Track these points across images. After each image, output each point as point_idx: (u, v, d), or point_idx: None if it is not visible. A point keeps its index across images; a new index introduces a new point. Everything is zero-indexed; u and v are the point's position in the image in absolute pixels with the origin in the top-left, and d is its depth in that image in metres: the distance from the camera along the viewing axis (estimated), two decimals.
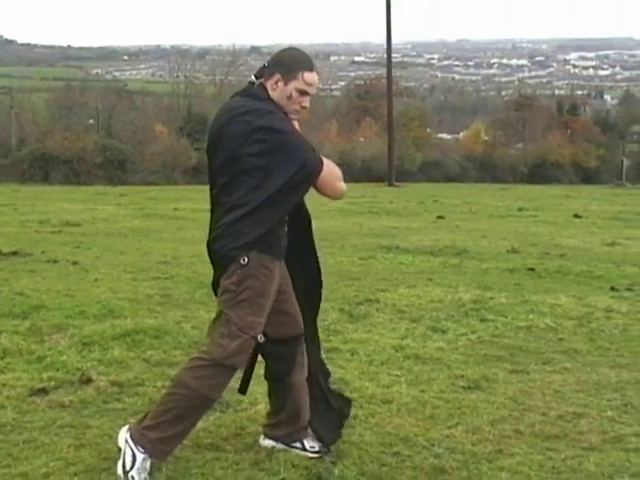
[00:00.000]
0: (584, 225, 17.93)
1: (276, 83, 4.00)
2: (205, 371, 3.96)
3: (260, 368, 4.41)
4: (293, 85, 3.98)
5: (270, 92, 4.02)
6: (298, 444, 4.31)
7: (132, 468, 3.90)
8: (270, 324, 4.11)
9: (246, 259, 3.92)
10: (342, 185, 4.06)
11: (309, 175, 3.92)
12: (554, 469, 4.22)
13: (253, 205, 3.88)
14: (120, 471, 3.91)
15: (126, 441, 3.95)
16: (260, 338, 4.05)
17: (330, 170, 3.98)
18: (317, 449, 4.28)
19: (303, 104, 4.05)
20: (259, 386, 5.16)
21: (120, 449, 3.99)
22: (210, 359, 3.96)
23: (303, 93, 4.02)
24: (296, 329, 4.28)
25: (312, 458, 4.24)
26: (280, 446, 4.34)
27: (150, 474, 3.92)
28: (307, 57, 4.08)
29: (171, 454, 4.03)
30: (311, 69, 4.03)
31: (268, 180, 3.87)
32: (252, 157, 3.87)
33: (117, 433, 4.16)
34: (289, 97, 4.00)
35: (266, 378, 4.39)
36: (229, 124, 3.95)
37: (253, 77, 4.12)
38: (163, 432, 3.94)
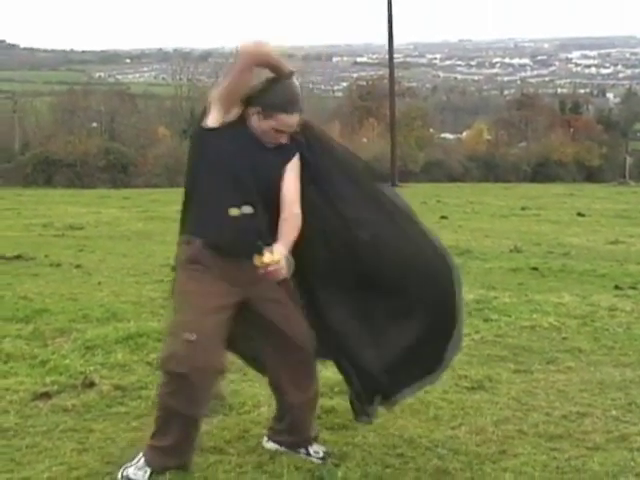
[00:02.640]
0: (587, 223, 17.91)
1: (255, 114, 3.96)
2: (161, 380, 4.00)
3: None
4: (268, 124, 3.94)
5: (248, 117, 3.99)
6: (302, 450, 4.30)
7: (131, 466, 3.97)
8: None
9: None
10: None
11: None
12: (558, 469, 4.21)
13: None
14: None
15: None
16: (191, 336, 3.83)
17: None
18: (321, 455, 4.26)
19: (278, 139, 4.01)
20: (262, 388, 5.16)
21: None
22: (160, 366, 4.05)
23: (279, 131, 3.98)
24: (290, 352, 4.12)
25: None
26: (283, 449, 4.33)
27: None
28: (290, 98, 3.97)
29: (170, 468, 4.01)
30: (291, 112, 3.94)
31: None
32: None
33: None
34: (264, 132, 3.97)
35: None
36: None
37: None
38: (157, 442, 3.99)
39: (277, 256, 3.80)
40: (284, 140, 4.01)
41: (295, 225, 3.97)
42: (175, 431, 3.95)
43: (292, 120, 3.97)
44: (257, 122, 3.96)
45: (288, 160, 4.05)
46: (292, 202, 4.00)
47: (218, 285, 3.95)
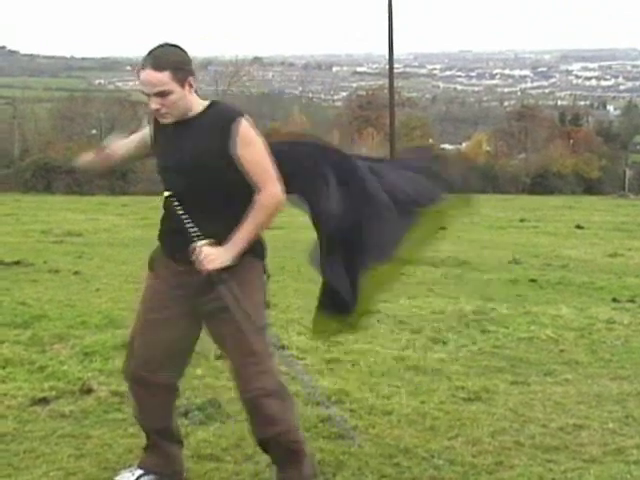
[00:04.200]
0: (586, 236, 17.93)
1: None
2: None
3: None
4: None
5: None
6: None
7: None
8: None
9: None
10: None
11: None
12: None
13: None
14: None
15: None
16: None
17: None
18: None
19: (150, 106, 3.71)
20: None
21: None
22: None
23: (145, 94, 3.71)
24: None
25: None
26: None
27: None
28: (148, 54, 3.67)
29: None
30: (142, 67, 3.66)
31: None
32: None
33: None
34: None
35: None
36: None
37: None
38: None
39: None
40: (155, 105, 3.67)
41: (267, 206, 3.72)
42: (149, 438, 4.02)
43: (143, 76, 3.65)
44: None
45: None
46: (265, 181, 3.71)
47: (163, 294, 3.86)
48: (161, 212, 3.90)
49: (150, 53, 3.65)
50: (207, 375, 5.71)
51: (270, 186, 3.68)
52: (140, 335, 3.88)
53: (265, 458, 4.32)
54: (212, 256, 3.63)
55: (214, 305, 3.74)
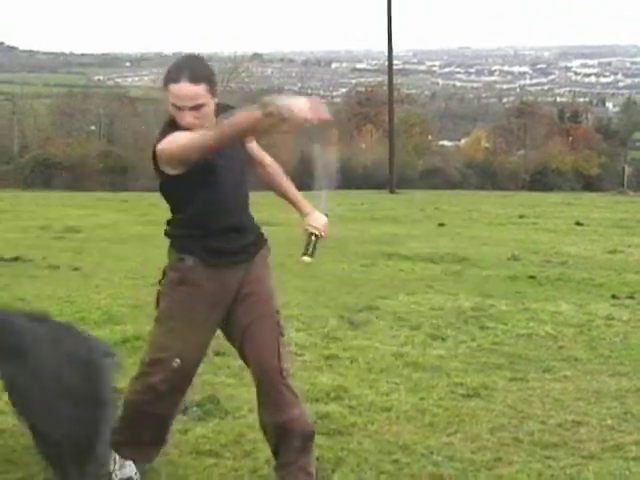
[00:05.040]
0: (585, 233, 17.92)
1: None
2: (138, 388, 3.97)
3: None
4: (169, 100, 3.59)
5: None
6: None
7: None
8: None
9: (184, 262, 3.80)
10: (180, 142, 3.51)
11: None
12: (553, 477, 4.22)
13: None
14: None
15: None
16: (176, 363, 3.79)
17: (168, 140, 3.55)
18: None
19: (184, 120, 3.56)
20: None
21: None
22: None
23: (177, 107, 3.57)
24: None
25: None
26: None
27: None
28: (176, 66, 3.59)
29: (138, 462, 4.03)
30: (176, 80, 3.54)
31: None
32: None
33: None
34: (173, 114, 3.61)
35: None
36: None
37: None
38: (126, 438, 3.99)
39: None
40: (190, 119, 3.55)
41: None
42: (148, 430, 3.97)
43: (178, 89, 3.53)
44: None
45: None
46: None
47: (207, 307, 3.82)
48: (190, 224, 3.78)
49: (181, 66, 3.58)
50: (206, 372, 5.70)
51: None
52: (186, 353, 3.82)
53: (264, 454, 4.33)
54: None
55: (250, 289, 3.83)
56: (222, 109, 3.66)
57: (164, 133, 3.60)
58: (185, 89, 3.52)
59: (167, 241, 3.89)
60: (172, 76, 3.55)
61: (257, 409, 3.96)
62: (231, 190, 3.79)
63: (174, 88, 3.54)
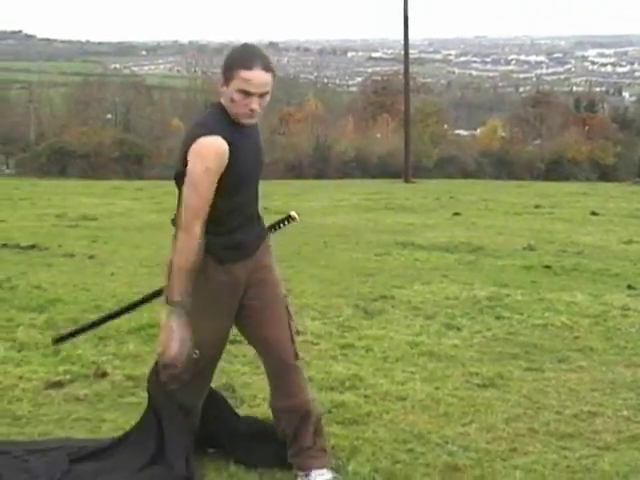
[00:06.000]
0: (601, 223, 17.84)
1: (221, 87, 3.71)
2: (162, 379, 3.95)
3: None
4: (232, 86, 3.63)
5: (222, 99, 3.74)
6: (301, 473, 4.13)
7: None
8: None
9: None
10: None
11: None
12: (568, 468, 4.21)
13: None
14: None
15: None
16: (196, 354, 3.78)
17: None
18: None
19: (250, 106, 3.65)
20: None
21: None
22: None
23: (245, 93, 3.62)
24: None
25: None
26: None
27: None
28: (248, 53, 3.67)
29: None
30: (249, 66, 3.60)
31: None
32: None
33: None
34: (232, 100, 3.65)
35: None
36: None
37: None
38: None
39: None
40: (255, 106, 3.65)
41: None
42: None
43: (253, 75, 3.61)
44: (225, 94, 3.69)
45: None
46: None
47: (221, 299, 3.85)
48: (225, 221, 3.78)
49: (254, 53, 3.67)
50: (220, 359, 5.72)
51: None
52: (205, 345, 3.84)
53: None
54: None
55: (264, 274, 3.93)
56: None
57: (212, 124, 3.66)
58: (259, 76, 3.63)
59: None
60: (245, 63, 3.62)
61: (271, 397, 4.01)
62: (253, 182, 3.86)
63: (247, 74, 3.61)
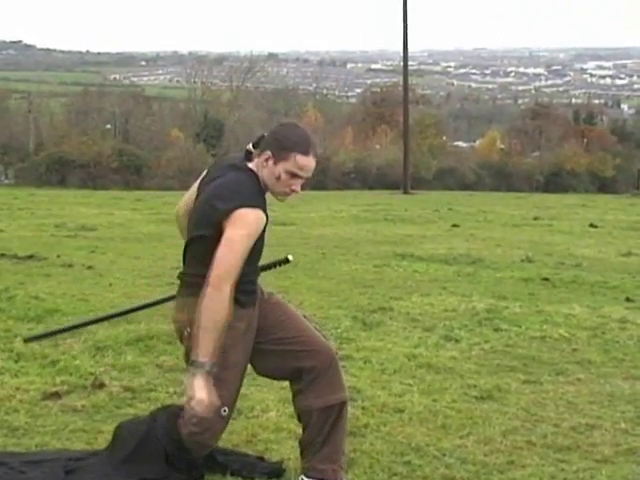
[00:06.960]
0: (600, 235, 17.86)
1: (266, 161, 3.74)
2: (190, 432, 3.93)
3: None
4: (283, 166, 3.71)
5: (259, 169, 3.78)
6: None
7: None
8: None
9: None
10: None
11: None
12: None
13: None
14: None
15: None
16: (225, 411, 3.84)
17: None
18: None
19: (293, 187, 3.77)
20: (270, 393, 5.19)
21: None
22: None
23: (294, 176, 3.73)
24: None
25: None
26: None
27: None
28: (305, 138, 3.76)
29: None
30: (306, 152, 3.72)
31: None
32: None
33: None
34: (278, 178, 3.73)
35: None
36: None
37: (250, 145, 3.90)
38: None
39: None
40: (298, 188, 3.80)
41: None
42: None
43: (308, 162, 3.74)
44: (268, 169, 3.76)
45: None
46: None
47: (242, 347, 3.91)
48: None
49: (309, 139, 3.77)
50: None
51: None
52: (232, 399, 3.95)
53: (277, 454, 4.34)
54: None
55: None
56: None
57: (250, 195, 3.70)
58: (312, 163, 3.77)
59: (181, 240, 3.87)
60: (303, 148, 3.73)
61: (306, 398, 3.94)
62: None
63: (302, 160, 3.72)
